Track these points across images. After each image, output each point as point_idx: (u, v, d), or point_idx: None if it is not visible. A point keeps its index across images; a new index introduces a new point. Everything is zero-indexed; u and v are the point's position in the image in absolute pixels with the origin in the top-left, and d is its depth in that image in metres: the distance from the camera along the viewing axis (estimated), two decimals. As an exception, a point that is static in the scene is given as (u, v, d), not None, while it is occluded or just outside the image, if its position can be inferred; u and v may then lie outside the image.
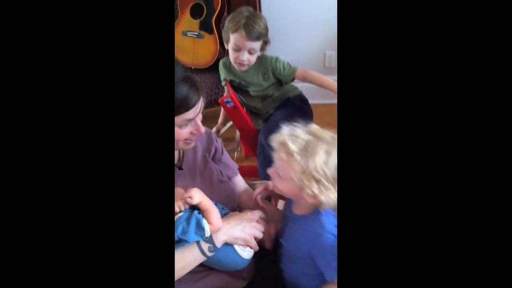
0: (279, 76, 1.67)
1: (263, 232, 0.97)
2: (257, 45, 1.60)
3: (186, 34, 2.16)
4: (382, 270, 0.56)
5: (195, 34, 2.16)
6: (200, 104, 0.93)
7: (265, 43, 1.63)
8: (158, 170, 0.59)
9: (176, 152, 1.05)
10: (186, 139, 0.96)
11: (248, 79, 1.70)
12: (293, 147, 0.84)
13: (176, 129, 0.91)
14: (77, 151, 0.57)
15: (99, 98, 0.57)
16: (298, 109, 1.71)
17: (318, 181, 0.83)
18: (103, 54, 0.58)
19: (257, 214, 0.97)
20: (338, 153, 0.78)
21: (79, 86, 0.57)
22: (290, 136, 0.86)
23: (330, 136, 0.86)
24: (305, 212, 0.92)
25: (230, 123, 1.94)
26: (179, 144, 0.97)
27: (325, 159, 0.83)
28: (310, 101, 1.80)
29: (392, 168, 0.56)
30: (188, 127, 0.94)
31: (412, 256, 0.56)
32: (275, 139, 0.88)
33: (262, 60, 1.67)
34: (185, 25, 2.17)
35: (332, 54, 2.47)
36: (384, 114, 0.56)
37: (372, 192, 0.57)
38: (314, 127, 0.89)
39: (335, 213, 0.90)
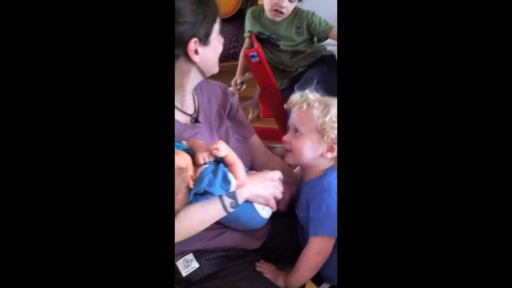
0: (313, 32, 1.57)
1: (282, 193, 0.94)
2: None
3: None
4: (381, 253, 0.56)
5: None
6: None
7: None
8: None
9: (191, 102, 0.99)
10: None
11: (279, 32, 1.59)
12: (312, 97, 0.93)
13: (219, 37, 0.92)
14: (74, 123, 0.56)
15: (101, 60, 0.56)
16: (334, 70, 1.57)
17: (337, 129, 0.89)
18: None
19: (277, 174, 0.94)
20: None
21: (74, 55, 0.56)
22: (308, 92, 0.95)
23: None
24: (313, 177, 0.96)
25: (249, 74, 1.82)
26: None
27: None
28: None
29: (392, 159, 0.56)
30: None
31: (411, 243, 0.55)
32: (294, 96, 0.96)
33: (297, 13, 1.57)
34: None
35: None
36: (384, 114, 0.57)
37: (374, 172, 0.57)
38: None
39: None
